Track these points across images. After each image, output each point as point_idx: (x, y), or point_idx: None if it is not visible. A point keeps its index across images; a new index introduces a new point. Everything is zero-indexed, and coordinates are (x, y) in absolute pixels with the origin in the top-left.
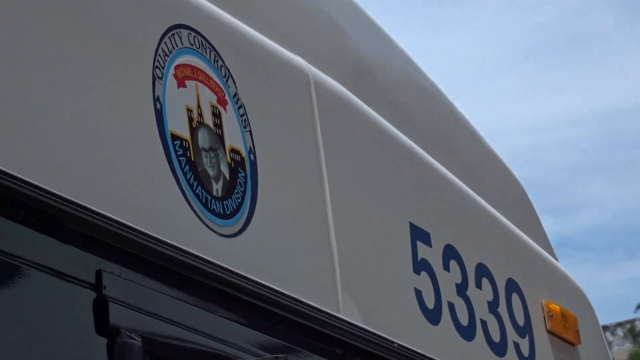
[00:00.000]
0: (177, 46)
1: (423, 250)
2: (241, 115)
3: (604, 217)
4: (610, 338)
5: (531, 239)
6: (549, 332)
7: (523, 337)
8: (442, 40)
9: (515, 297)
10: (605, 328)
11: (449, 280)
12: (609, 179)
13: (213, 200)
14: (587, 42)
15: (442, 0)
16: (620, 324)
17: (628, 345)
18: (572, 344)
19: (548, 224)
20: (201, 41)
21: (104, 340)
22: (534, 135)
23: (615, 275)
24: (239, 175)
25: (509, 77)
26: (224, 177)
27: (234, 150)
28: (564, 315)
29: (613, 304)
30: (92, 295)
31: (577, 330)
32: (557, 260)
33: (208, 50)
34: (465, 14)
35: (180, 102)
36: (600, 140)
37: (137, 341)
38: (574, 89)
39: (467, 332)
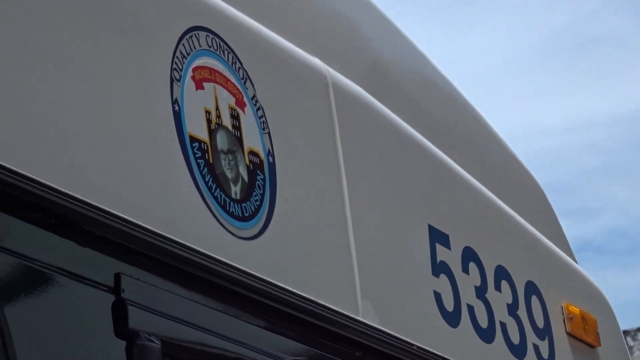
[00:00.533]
0: (195, 48)
1: (442, 253)
2: (260, 117)
3: (626, 221)
4: (631, 343)
5: (550, 241)
6: (568, 334)
7: (542, 339)
8: (462, 42)
9: (534, 300)
10: (626, 333)
11: (468, 282)
12: (631, 182)
13: (232, 203)
14: (609, 43)
15: (461, 1)
16: None
17: None
18: (592, 347)
19: (569, 228)
20: (219, 43)
21: (122, 344)
22: (556, 138)
23: (636, 280)
24: (258, 177)
25: (529, 79)
26: (243, 180)
27: (252, 153)
28: (583, 318)
29: (634, 309)
30: (111, 298)
31: (597, 333)
32: (577, 263)
33: (226, 52)
34: (484, 15)
35: (198, 104)
36: (623, 143)
37: (157, 344)
38: (595, 91)
39: (486, 335)
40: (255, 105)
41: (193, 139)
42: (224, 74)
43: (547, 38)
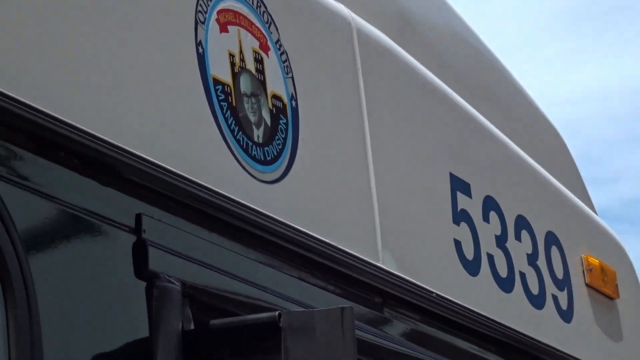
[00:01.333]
0: None
1: (463, 201)
2: (283, 62)
3: None
4: None
5: (571, 192)
6: (587, 285)
7: (562, 290)
8: (484, 9)
9: (554, 250)
10: None
11: (488, 231)
12: None
13: (254, 146)
14: (628, 10)
15: None
16: None
17: None
18: (611, 298)
19: None
20: None
21: (142, 284)
22: (573, 107)
23: None
24: (280, 121)
25: (547, 48)
26: (265, 123)
27: (275, 97)
28: (603, 270)
29: None
30: (132, 238)
31: (616, 285)
32: (597, 214)
33: None
34: None
35: (222, 47)
36: None
37: (177, 285)
38: (614, 60)
39: (505, 284)
40: (279, 49)
41: (216, 82)
42: (248, 17)
43: (566, 7)
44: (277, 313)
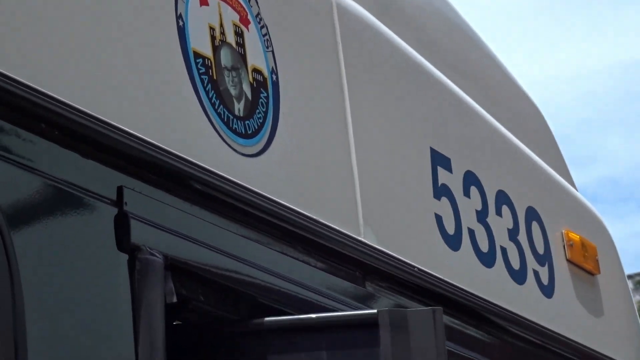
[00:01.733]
0: None
1: (444, 176)
2: (264, 35)
3: (618, 170)
4: None
5: (551, 167)
6: (568, 261)
7: (542, 265)
8: None
9: (535, 225)
10: None
11: (469, 206)
12: (624, 132)
13: (235, 120)
14: None
15: None
16: (630, 277)
17: (637, 298)
18: (592, 274)
19: None
20: None
21: (125, 257)
22: (549, 89)
23: (627, 228)
24: (261, 95)
25: (523, 30)
26: (246, 97)
27: (256, 70)
28: (583, 245)
29: (624, 257)
30: (114, 211)
31: (597, 260)
32: (577, 190)
33: None
34: None
35: (202, 20)
36: (616, 94)
37: (159, 258)
38: (589, 41)
39: (486, 259)
40: (259, 23)
41: (197, 55)
42: None
43: None
44: (376, 311)
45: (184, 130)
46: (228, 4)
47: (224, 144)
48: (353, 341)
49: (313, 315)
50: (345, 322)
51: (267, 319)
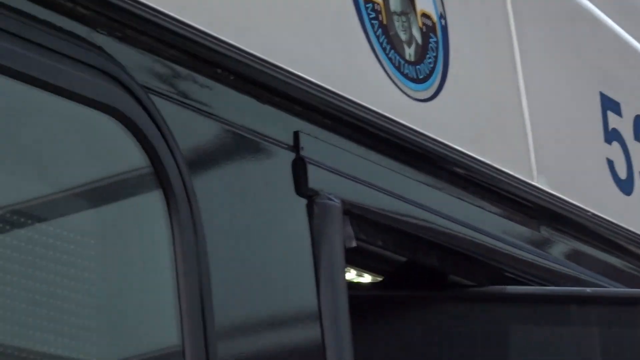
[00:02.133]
0: None
1: (614, 120)
2: None
3: None
4: None
5: None
6: None
7: None
8: None
9: None
10: None
11: None
12: None
13: (406, 65)
14: None
15: None
16: None
17: None
18: None
19: None
20: None
21: (303, 201)
22: None
23: None
24: (431, 40)
25: None
26: (416, 42)
27: (425, 15)
28: None
29: None
30: (291, 156)
31: None
32: None
33: None
34: None
35: None
36: None
37: (337, 202)
38: None
39: None
40: None
41: (367, 0)
42: None
43: None
44: None
45: (357, 75)
46: None
47: (396, 89)
48: (624, 316)
49: (587, 289)
50: (616, 298)
51: (533, 288)
